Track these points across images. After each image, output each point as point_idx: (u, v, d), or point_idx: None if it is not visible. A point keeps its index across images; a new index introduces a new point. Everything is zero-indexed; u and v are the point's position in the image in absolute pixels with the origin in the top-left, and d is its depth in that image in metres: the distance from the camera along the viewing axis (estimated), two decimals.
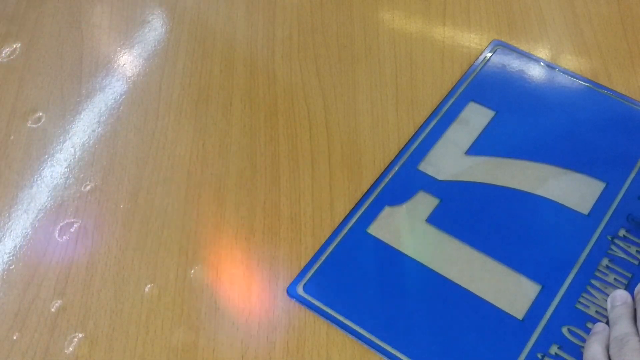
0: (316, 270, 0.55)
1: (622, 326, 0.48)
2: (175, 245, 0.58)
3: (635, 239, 0.56)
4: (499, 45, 0.69)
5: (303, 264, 0.56)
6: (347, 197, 0.60)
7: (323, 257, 0.56)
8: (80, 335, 0.54)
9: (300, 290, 0.54)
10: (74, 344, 0.53)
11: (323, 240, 0.57)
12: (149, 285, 0.56)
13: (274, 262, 0.56)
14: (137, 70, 0.70)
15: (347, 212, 0.59)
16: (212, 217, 0.59)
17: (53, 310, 0.55)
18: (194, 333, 0.53)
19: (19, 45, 0.72)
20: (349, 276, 0.55)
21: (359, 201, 0.59)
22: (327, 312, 0.53)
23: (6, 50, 0.72)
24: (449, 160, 0.61)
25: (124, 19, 0.74)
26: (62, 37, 0.73)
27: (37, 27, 0.74)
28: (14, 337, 0.53)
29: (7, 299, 0.55)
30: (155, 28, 0.73)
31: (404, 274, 0.55)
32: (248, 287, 0.55)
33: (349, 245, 0.57)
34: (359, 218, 0.58)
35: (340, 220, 0.58)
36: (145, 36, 0.73)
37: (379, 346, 0.51)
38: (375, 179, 0.61)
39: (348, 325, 0.52)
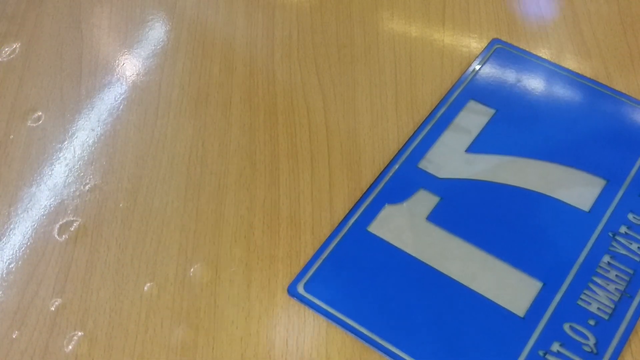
0: (317, 269, 0.55)
1: None
2: (175, 244, 0.58)
3: (637, 236, 0.56)
4: (498, 44, 0.69)
5: (302, 263, 0.56)
6: (347, 196, 0.60)
7: (323, 256, 0.56)
8: (80, 334, 0.53)
9: (301, 289, 0.54)
10: (73, 342, 0.53)
11: (323, 239, 0.57)
12: (149, 284, 0.56)
13: (273, 261, 0.56)
14: (137, 69, 0.70)
15: (347, 210, 0.59)
16: (211, 215, 0.59)
17: (52, 308, 0.55)
18: (193, 331, 0.53)
19: (18, 45, 0.72)
20: (350, 275, 0.55)
21: (359, 200, 0.59)
22: (328, 311, 0.53)
23: (6, 50, 0.72)
24: (449, 159, 0.61)
25: (123, 19, 0.74)
26: (62, 37, 0.73)
27: (37, 27, 0.74)
28: (13, 336, 0.53)
29: (7, 298, 0.55)
30: (155, 28, 0.74)
31: (405, 272, 0.55)
32: (247, 286, 0.55)
33: (349, 243, 0.56)
34: (359, 216, 0.58)
35: (340, 218, 0.58)
36: (145, 36, 0.73)
37: (380, 344, 0.51)
38: (374, 178, 0.61)
39: (349, 324, 0.52)
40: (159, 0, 0.76)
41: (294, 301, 0.54)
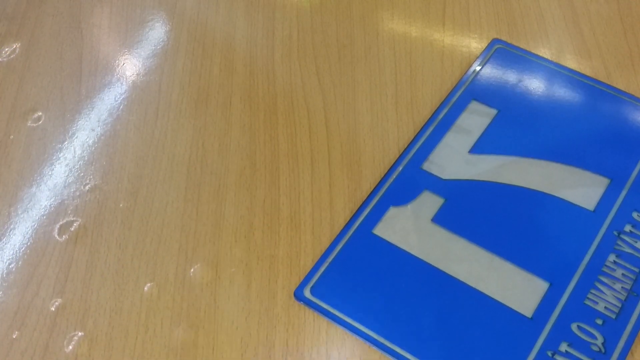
0: (323, 272, 0.55)
1: None
2: (175, 244, 0.58)
3: None
4: (498, 44, 0.69)
5: (303, 263, 0.56)
6: (347, 196, 0.60)
7: (329, 260, 0.56)
8: (80, 334, 0.53)
9: (307, 293, 0.54)
10: (73, 342, 0.53)
11: (323, 239, 0.57)
12: (149, 284, 0.56)
13: (273, 261, 0.56)
14: (137, 70, 0.70)
15: (347, 210, 0.59)
16: (211, 215, 0.59)
17: (52, 308, 0.55)
18: (193, 332, 0.53)
19: (18, 45, 0.72)
20: (357, 278, 0.55)
21: (363, 202, 0.59)
22: (335, 315, 0.53)
23: (6, 50, 0.72)
24: (453, 160, 0.61)
25: (123, 19, 0.74)
26: (62, 37, 0.73)
27: (37, 27, 0.74)
28: (14, 336, 0.53)
29: (7, 298, 0.55)
30: (155, 28, 0.74)
31: (411, 275, 0.55)
32: (247, 286, 0.55)
33: (355, 246, 0.56)
34: (364, 219, 0.58)
35: (340, 218, 0.58)
36: (145, 36, 0.73)
37: (388, 347, 0.51)
38: (374, 178, 0.61)
39: (356, 327, 0.52)
40: (159, 0, 0.76)
41: (294, 301, 0.54)
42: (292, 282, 0.55)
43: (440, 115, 0.64)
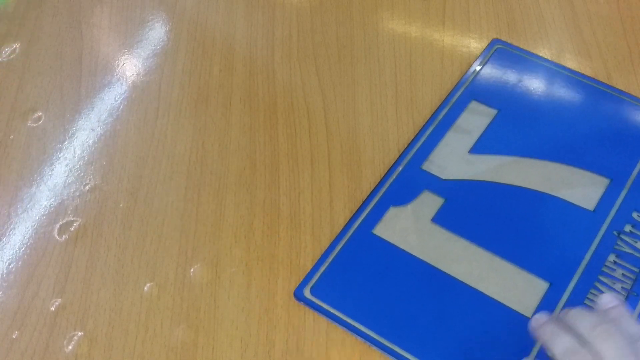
0: (323, 272, 0.55)
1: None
2: (175, 244, 0.58)
3: None
4: (498, 45, 0.69)
5: (302, 263, 0.56)
6: (347, 196, 0.60)
7: (329, 259, 0.56)
8: (80, 334, 0.53)
9: (307, 293, 0.54)
10: (73, 342, 0.53)
11: (322, 239, 0.57)
12: (149, 284, 0.56)
13: (273, 261, 0.56)
14: (137, 70, 0.70)
15: (347, 210, 0.59)
16: (211, 215, 0.59)
17: (52, 309, 0.55)
18: (193, 332, 0.53)
19: (18, 45, 0.72)
20: (357, 278, 0.55)
21: (363, 202, 0.59)
22: (335, 315, 0.53)
23: (6, 50, 0.72)
24: (453, 160, 0.61)
25: (123, 19, 0.74)
26: (61, 37, 0.73)
27: (37, 27, 0.74)
28: (14, 336, 0.53)
29: (7, 298, 0.55)
30: (155, 28, 0.74)
31: (412, 275, 0.55)
32: (247, 286, 0.55)
33: (355, 246, 0.56)
34: (364, 219, 0.58)
35: (340, 218, 0.58)
36: (145, 36, 0.73)
37: (388, 347, 0.51)
38: (374, 178, 0.61)
39: (356, 327, 0.52)
40: (159, 0, 0.76)
41: (293, 301, 0.54)
42: (292, 282, 0.55)
43: (440, 115, 0.64)
